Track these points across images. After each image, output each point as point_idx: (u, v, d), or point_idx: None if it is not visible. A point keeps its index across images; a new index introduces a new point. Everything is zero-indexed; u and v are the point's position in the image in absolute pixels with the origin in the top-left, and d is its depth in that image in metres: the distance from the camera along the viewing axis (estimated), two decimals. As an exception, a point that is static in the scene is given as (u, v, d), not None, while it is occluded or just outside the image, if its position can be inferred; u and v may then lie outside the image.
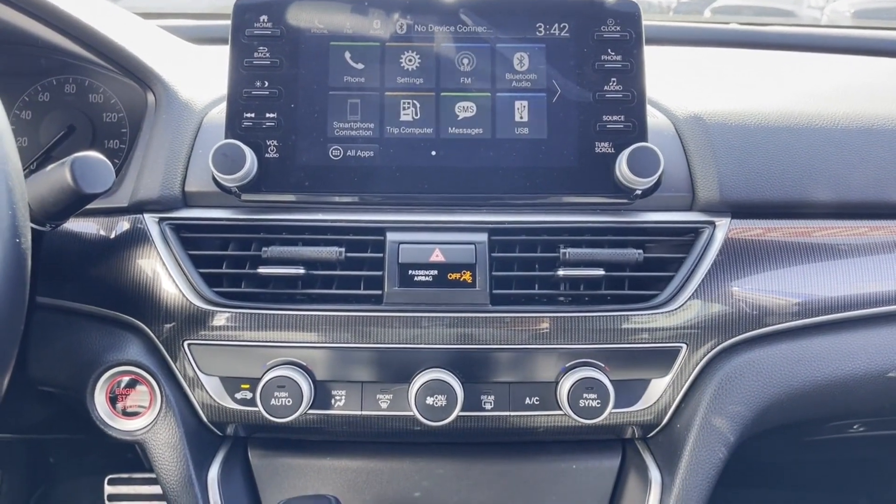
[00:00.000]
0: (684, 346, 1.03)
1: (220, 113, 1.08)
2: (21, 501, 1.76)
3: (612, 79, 1.04)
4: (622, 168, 0.99)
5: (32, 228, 0.88)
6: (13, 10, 1.05)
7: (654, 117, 1.11)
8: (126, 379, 1.03)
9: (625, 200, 1.03)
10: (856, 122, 1.11)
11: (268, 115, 1.02)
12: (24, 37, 1.13)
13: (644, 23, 1.06)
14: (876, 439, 1.47)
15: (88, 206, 1.02)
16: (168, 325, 1.02)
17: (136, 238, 1.03)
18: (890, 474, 1.76)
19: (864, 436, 1.37)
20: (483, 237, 1.01)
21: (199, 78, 1.16)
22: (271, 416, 0.98)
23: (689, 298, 1.02)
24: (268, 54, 1.03)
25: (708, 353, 1.03)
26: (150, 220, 1.03)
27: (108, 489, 1.66)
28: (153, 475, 1.64)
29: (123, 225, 1.05)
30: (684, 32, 1.68)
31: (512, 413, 1.03)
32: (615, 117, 1.03)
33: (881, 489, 1.80)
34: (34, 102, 1.21)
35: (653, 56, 1.08)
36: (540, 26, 1.05)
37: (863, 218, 1.09)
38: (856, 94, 1.27)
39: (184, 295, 1.00)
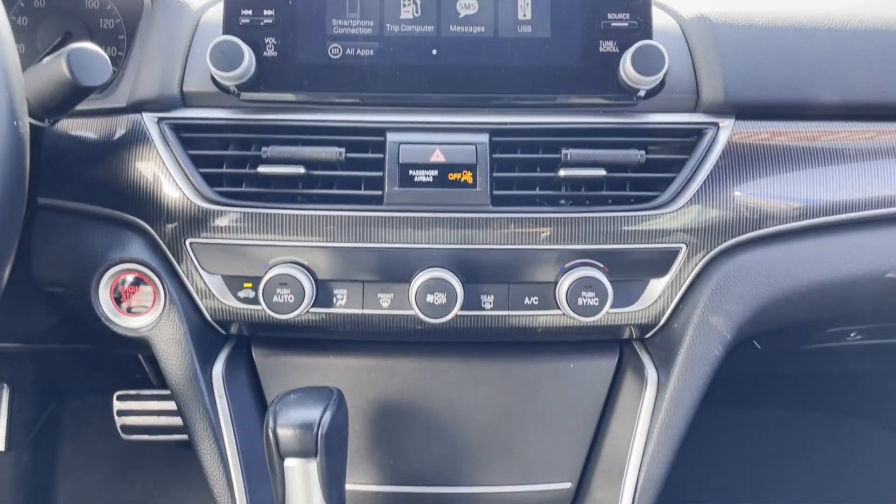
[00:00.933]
0: (683, 247, 1.03)
1: (217, 13, 1.06)
2: (32, 419, 1.80)
3: None
4: (626, 67, 0.97)
5: (32, 124, 0.87)
6: None
7: (659, 18, 1.08)
8: (130, 277, 1.05)
9: (628, 101, 1.02)
10: (865, 24, 1.09)
11: (265, 11, 1.00)
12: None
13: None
14: (873, 350, 1.48)
15: (87, 107, 1.02)
16: (170, 225, 1.02)
17: (136, 138, 1.03)
18: (887, 390, 1.78)
19: (861, 345, 1.38)
20: (484, 138, 1.01)
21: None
22: (274, 312, 0.99)
23: (690, 200, 1.01)
24: None
25: (707, 254, 1.04)
26: (148, 120, 1.03)
27: (118, 405, 1.71)
28: (161, 391, 1.69)
29: (123, 125, 1.04)
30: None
31: (511, 312, 1.04)
32: (620, 15, 1.01)
33: (877, 406, 1.83)
34: (30, 8, 1.19)
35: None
36: None
37: (870, 120, 1.08)
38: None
39: (185, 194, 1.01)
